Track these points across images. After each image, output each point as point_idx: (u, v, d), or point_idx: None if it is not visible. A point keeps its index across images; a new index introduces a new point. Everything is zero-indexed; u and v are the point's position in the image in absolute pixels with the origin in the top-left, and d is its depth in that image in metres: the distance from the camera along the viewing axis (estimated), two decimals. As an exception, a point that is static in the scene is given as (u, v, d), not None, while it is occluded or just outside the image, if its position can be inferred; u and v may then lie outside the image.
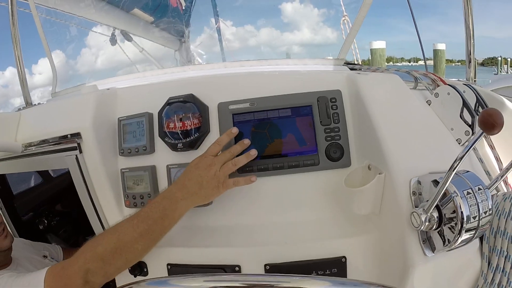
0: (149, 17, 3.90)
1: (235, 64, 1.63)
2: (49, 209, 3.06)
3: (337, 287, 0.73)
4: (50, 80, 2.32)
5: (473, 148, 1.15)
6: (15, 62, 2.13)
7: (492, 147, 1.31)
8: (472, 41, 1.78)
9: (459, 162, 0.81)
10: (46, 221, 2.82)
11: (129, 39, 3.70)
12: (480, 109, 1.25)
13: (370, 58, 13.27)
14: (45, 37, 2.26)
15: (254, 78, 1.38)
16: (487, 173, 1.17)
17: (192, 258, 1.18)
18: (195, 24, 4.70)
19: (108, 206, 1.39)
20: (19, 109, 1.99)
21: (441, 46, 14.66)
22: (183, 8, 4.29)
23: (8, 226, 1.51)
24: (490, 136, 1.31)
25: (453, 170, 0.81)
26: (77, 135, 1.35)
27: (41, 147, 1.48)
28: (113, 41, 3.73)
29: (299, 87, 1.27)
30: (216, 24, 5.07)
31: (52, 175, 3.50)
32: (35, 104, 2.08)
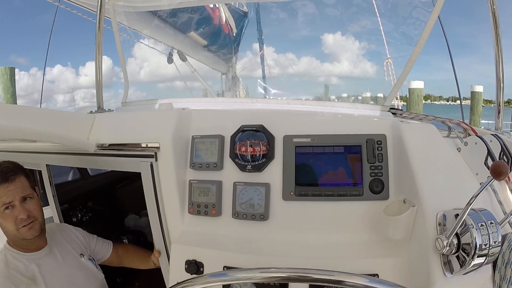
0: (203, 40, 4.19)
1: (297, 102, 1.91)
2: (83, 204, 3.29)
3: (373, 283, 0.90)
4: (93, 82, 2.49)
5: (494, 192, 1.44)
6: (95, 69, 2.38)
7: None
8: (501, 91, 2.00)
9: (474, 199, 1.08)
10: (79, 215, 3.07)
11: (184, 59, 4.01)
12: (504, 158, 1.51)
13: (407, 96, 13.40)
14: (122, 50, 2.54)
15: (314, 117, 1.65)
16: (505, 213, 1.40)
17: (246, 262, 1.40)
18: (242, 50, 4.98)
19: (171, 210, 1.66)
20: (91, 112, 2.25)
21: (478, 89, 14.69)
22: (234, 34, 4.54)
23: (39, 221, 1.67)
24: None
25: (470, 205, 1.08)
26: (155, 145, 1.63)
27: (114, 150, 1.74)
28: (170, 59, 4.04)
29: (351, 128, 1.54)
30: (260, 51, 5.30)
31: (90, 173, 3.79)
32: (105, 110, 2.34)
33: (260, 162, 1.52)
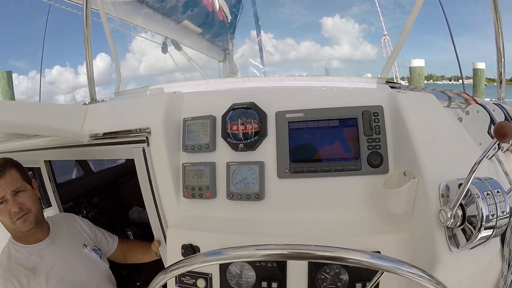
0: (197, 28, 4.13)
1: (290, 78, 1.84)
2: (88, 201, 3.31)
3: (375, 260, 0.84)
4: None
5: (500, 162, 1.37)
6: (85, 63, 2.36)
7: None
8: (502, 61, 1.93)
9: (477, 166, 1.01)
10: (85, 212, 3.06)
11: (179, 48, 3.96)
12: None
13: (408, 76, 13.19)
14: (113, 42, 2.50)
15: (307, 91, 1.58)
16: (511, 184, 1.33)
17: (242, 244, 1.34)
18: (238, 36, 4.90)
19: (166, 195, 1.63)
20: (85, 103, 2.22)
21: (480, 65, 14.37)
22: (229, 21, 4.48)
23: (34, 213, 1.67)
24: None
25: (473, 172, 1.01)
26: (146, 130, 1.59)
27: (108, 138, 1.72)
28: (164, 49, 3.99)
29: (346, 101, 1.47)
30: (257, 37, 5.23)
31: (93, 169, 3.80)
32: (99, 101, 2.30)
33: (252, 140, 1.46)
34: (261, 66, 4.16)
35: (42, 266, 1.65)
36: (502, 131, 1.01)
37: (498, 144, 1.36)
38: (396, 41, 1.88)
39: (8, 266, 1.61)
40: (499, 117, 1.42)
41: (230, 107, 1.52)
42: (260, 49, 5.41)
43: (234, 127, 1.46)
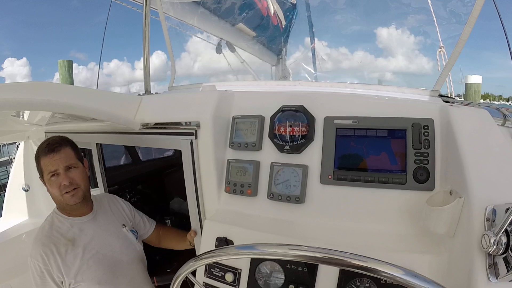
0: (251, 32, 4.19)
1: (340, 84, 1.83)
2: (133, 187, 3.45)
3: (409, 277, 0.81)
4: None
5: None
6: (142, 57, 2.49)
7: None
8: None
9: None
10: (128, 196, 3.22)
11: (233, 50, 4.06)
12: None
13: (464, 93, 12.52)
14: (170, 39, 2.61)
15: (357, 98, 1.57)
16: None
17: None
18: (292, 42, 4.91)
19: (208, 188, 1.68)
20: (139, 94, 2.34)
21: None
22: (283, 26, 4.50)
23: (82, 189, 1.79)
24: None
25: None
26: (196, 123, 1.66)
27: (158, 128, 1.81)
28: (219, 49, 4.09)
29: (396, 111, 1.43)
30: (311, 44, 5.21)
31: (141, 158, 3.96)
32: (152, 93, 2.41)
33: (298, 143, 1.47)
34: (312, 71, 4.14)
35: (81, 238, 1.78)
36: None
37: None
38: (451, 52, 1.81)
39: (49, 234, 1.74)
40: None
41: (279, 109, 1.54)
42: (313, 56, 5.40)
43: (282, 129, 1.48)
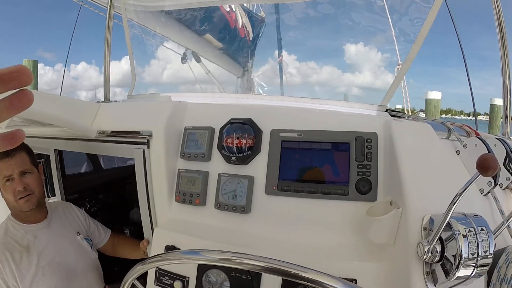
0: (218, 43, 4.24)
1: (291, 99, 1.88)
2: (93, 196, 3.38)
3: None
4: (116, 82, 2.63)
5: (496, 199, 1.32)
6: (103, 64, 2.48)
7: None
8: (509, 97, 1.89)
9: (458, 198, 0.97)
10: (88, 205, 3.12)
11: (198, 60, 4.08)
12: (510, 164, 1.38)
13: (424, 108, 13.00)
14: (131, 47, 2.62)
15: (304, 113, 1.62)
16: (507, 225, 1.27)
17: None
18: (260, 55, 4.99)
19: (160, 197, 1.68)
20: (98, 102, 2.32)
21: (498, 101, 14.02)
22: (250, 39, 4.57)
23: (37, 195, 1.77)
24: None
25: (453, 204, 0.97)
26: (149, 133, 1.66)
27: (114, 136, 1.80)
28: (184, 59, 4.10)
29: (341, 125, 1.48)
30: (279, 57, 5.30)
31: (103, 166, 3.90)
32: (111, 101, 2.41)
33: (245, 154, 1.49)
34: (264, 85, 4.23)
35: (35, 245, 1.74)
36: (484, 164, 0.94)
37: (495, 181, 1.32)
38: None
39: (4, 241, 1.70)
40: (501, 152, 1.39)
41: (228, 121, 1.56)
42: (280, 69, 5.49)
43: (229, 140, 1.51)
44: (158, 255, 1.05)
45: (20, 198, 1.71)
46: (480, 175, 0.96)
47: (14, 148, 1.63)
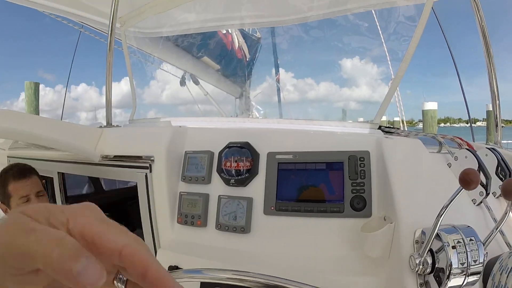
0: (216, 65, 4.34)
1: (287, 121, 1.96)
2: (94, 217, 3.38)
3: None
4: (116, 103, 2.71)
5: (488, 208, 1.37)
6: (105, 88, 2.56)
7: None
8: (497, 104, 1.95)
9: (445, 210, 1.02)
10: (90, 228, 3.14)
11: (196, 82, 4.16)
12: (502, 173, 1.44)
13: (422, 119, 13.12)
14: (132, 72, 2.70)
15: (299, 135, 1.69)
16: (502, 233, 1.33)
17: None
18: (257, 74, 5.06)
19: (162, 219, 1.73)
20: (101, 127, 2.40)
21: None
22: (247, 60, 4.67)
23: None
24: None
25: (440, 216, 1.02)
26: (150, 157, 1.73)
27: (117, 160, 1.87)
28: (182, 82, 4.20)
29: (334, 145, 1.55)
30: (276, 76, 5.37)
31: (104, 188, 3.94)
32: (114, 125, 2.48)
33: (243, 176, 1.56)
34: (260, 109, 4.32)
35: None
36: (466, 178, 0.98)
37: (487, 191, 1.36)
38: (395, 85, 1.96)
39: None
40: (492, 162, 1.44)
41: (226, 145, 1.64)
42: (278, 88, 5.58)
43: (228, 164, 1.58)
44: None
45: None
46: (463, 189, 1.01)
47: (29, 170, 1.71)
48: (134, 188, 1.81)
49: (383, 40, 4.30)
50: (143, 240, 1.80)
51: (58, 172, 2.45)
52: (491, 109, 2.10)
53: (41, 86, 12.98)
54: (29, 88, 11.94)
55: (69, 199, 2.69)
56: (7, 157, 2.58)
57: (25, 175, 1.77)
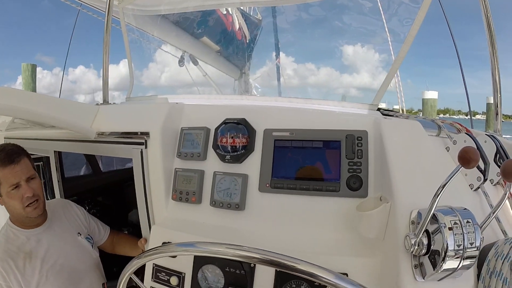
0: (215, 46, 4.28)
1: (285, 99, 1.93)
2: (92, 198, 3.44)
3: (339, 281, 0.85)
4: (114, 85, 2.68)
5: (485, 194, 1.35)
6: (102, 67, 2.52)
7: (511, 197, 1.42)
8: (499, 94, 1.93)
9: (442, 190, 0.99)
10: (87, 208, 3.14)
11: (195, 63, 4.12)
12: (500, 160, 1.41)
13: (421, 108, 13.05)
14: (134, 50, 2.67)
15: (296, 112, 1.67)
16: (497, 219, 1.31)
17: None
18: (258, 57, 5.00)
19: (157, 196, 1.73)
20: (97, 104, 2.38)
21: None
22: (247, 41, 4.61)
23: (42, 200, 1.78)
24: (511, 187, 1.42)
25: (437, 196, 0.99)
26: (146, 133, 1.72)
27: (112, 137, 1.85)
28: (181, 62, 4.14)
29: (332, 124, 1.53)
30: (276, 59, 5.31)
31: (101, 169, 3.96)
32: (110, 103, 2.46)
33: (239, 153, 1.54)
34: (259, 87, 4.27)
35: (38, 250, 1.75)
36: (466, 156, 0.96)
37: (484, 176, 1.34)
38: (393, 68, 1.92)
39: (6, 248, 1.70)
40: (491, 148, 1.42)
41: (223, 121, 1.61)
42: (278, 71, 5.52)
43: (224, 140, 1.56)
44: (153, 248, 1.09)
45: (29, 205, 1.69)
46: (462, 167, 0.98)
47: (17, 153, 1.66)
48: (131, 170, 1.80)
49: (384, 21, 4.23)
50: (139, 216, 1.79)
51: (54, 151, 2.44)
52: (491, 101, 2.08)
53: (38, 69, 12.89)
54: (26, 70, 11.85)
55: (66, 180, 2.69)
56: (4, 138, 2.55)
57: (13, 160, 1.66)
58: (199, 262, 1.44)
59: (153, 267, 1.52)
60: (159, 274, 1.51)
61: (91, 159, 3.70)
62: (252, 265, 1.36)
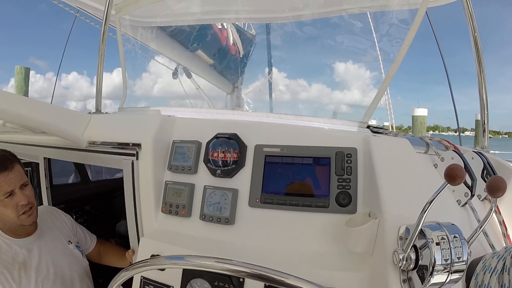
0: (209, 59, 4.32)
1: (276, 116, 1.95)
2: (80, 207, 3.40)
3: None
4: (106, 94, 2.70)
5: (473, 210, 1.39)
6: (96, 76, 2.54)
7: (498, 212, 1.49)
8: (486, 111, 1.97)
9: (429, 206, 1.02)
10: (74, 217, 3.10)
11: (189, 75, 4.14)
12: (488, 176, 1.46)
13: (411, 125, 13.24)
14: (128, 60, 2.68)
15: (287, 129, 1.69)
16: (485, 234, 1.35)
17: None
18: (250, 72, 5.04)
19: (146, 207, 1.72)
20: (89, 113, 2.37)
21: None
22: (241, 56, 4.66)
23: (35, 207, 1.77)
24: (497, 202, 1.47)
25: (424, 212, 1.02)
26: (138, 145, 1.71)
27: (103, 147, 1.85)
28: (175, 75, 4.17)
29: (322, 141, 1.55)
30: (268, 75, 5.36)
31: (90, 178, 3.90)
32: (103, 112, 2.46)
33: (230, 168, 1.55)
34: (250, 102, 4.33)
35: (32, 260, 1.73)
36: (452, 173, 0.98)
37: (472, 192, 1.38)
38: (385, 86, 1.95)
39: (0, 259, 1.66)
40: (478, 165, 1.46)
41: (214, 136, 1.63)
42: (270, 87, 5.58)
43: (215, 154, 1.57)
44: (142, 260, 1.09)
45: (23, 213, 1.67)
46: (449, 184, 1.01)
47: (10, 160, 1.64)
48: (121, 180, 1.79)
49: (375, 41, 4.32)
50: (127, 228, 1.78)
51: (44, 158, 2.42)
52: (480, 118, 2.14)
53: (31, 73, 12.81)
54: (19, 73, 11.78)
55: (54, 188, 2.66)
56: None
57: (6, 167, 1.64)
58: (188, 275, 1.42)
59: (141, 280, 1.51)
60: (147, 287, 1.50)
61: (80, 168, 3.66)
62: (241, 279, 1.36)
